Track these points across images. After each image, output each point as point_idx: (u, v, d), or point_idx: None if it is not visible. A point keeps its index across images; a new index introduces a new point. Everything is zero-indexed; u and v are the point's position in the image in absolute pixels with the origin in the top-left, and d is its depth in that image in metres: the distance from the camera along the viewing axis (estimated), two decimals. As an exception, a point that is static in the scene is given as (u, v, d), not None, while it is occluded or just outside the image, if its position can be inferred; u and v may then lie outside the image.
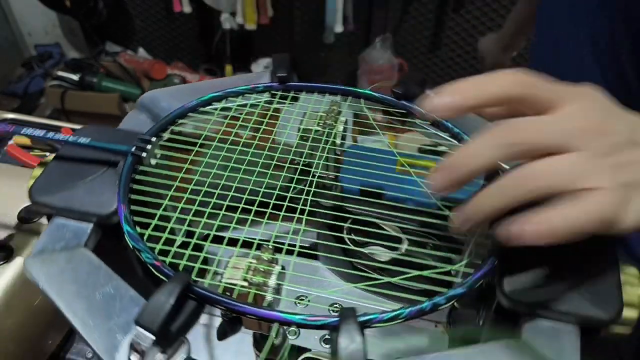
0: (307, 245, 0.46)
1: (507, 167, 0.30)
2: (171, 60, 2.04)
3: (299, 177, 0.37)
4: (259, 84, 0.42)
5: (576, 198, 0.25)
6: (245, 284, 0.29)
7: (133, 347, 0.26)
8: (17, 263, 0.45)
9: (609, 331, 0.30)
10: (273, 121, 0.40)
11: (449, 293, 0.27)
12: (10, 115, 0.78)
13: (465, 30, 1.74)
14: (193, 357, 0.28)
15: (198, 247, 0.31)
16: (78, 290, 0.31)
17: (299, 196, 0.35)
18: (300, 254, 0.32)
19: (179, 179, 0.35)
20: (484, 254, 0.31)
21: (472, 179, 0.27)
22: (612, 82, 0.51)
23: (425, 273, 0.29)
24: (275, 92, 0.42)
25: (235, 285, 0.29)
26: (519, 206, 0.26)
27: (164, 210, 0.33)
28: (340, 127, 0.39)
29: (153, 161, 0.36)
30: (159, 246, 0.31)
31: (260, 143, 0.38)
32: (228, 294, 0.30)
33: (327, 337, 0.43)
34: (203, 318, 0.47)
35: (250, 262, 0.30)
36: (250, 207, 0.34)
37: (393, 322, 0.27)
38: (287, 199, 0.34)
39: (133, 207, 0.33)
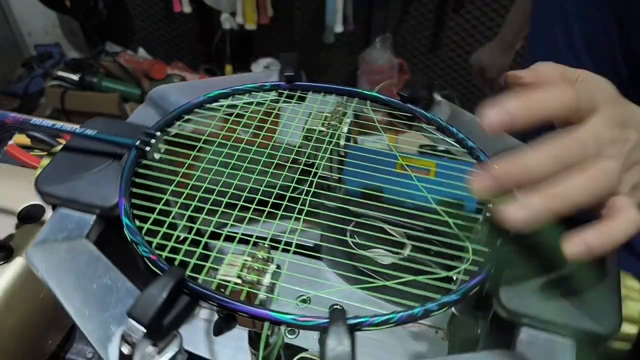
0: (308, 245, 0.46)
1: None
2: (171, 60, 2.05)
3: (300, 177, 0.37)
4: (266, 83, 0.42)
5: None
6: (239, 281, 0.29)
7: (124, 339, 0.27)
8: (17, 263, 0.45)
9: (608, 346, 0.30)
10: (278, 120, 0.40)
11: (442, 300, 0.27)
12: (7, 120, 0.78)
13: (465, 30, 1.73)
14: (187, 350, 0.28)
15: (196, 243, 0.32)
16: (76, 280, 0.31)
17: (299, 196, 0.35)
18: (301, 254, 0.32)
19: (180, 175, 0.35)
20: (481, 261, 0.31)
21: None
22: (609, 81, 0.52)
23: (419, 278, 0.29)
24: (282, 91, 0.42)
25: (228, 282, 0.29)
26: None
27: (164, 205, 0.33)
28: (345, 129, 0.39)
29: (157, 155, 0.37)
30: (156, 240, 0.31)
31: (264, 141, 0.38)
32: (222, 290, 0.30)
33: (325, 338, 0.43)
34: (204, 313, 0.47)
35: (246, 260, 0.30)
36: (250, 205, 0.34)
37: (384, 326, 0.26)
38: (287, 198, 0.34)
39: (134, 201, 0.33)
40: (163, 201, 0.33)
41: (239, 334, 0.40)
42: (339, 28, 1.68)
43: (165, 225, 0.32)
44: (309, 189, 0.35)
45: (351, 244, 0.46)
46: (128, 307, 0.26)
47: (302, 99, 0.42)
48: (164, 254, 0.30)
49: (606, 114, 0.29)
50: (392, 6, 1.73)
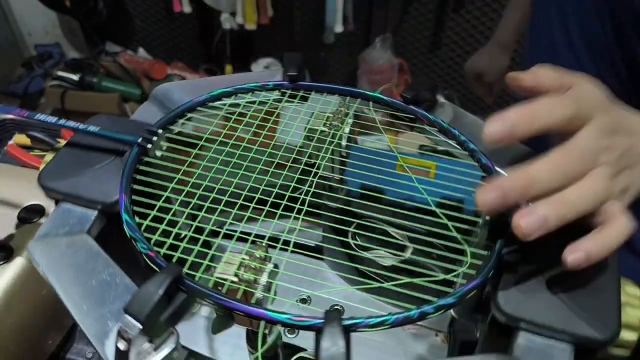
0: (309, 245, 0.46)
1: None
2: (171, 60, 2.05)
3: (300, 176, 0.37)
4: (269, 82, 0.42)
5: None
6: (236, 279, 0.29)
7: (121, 335, 0.27)
8: (17, 263, 0.45)
9: (606, 353, 0.29)
10: (279, 119, 0.40)
11: (438, 302, 0.27)
12: (11, 116, 0.77)
13: (465, 30, 1.73)
14: (187, 347, 0.28)
15: (195, 241, 0.32)
16: (76, 275, 0.32)
17: (299, 196, 0.35)
18: (301, 254, 0.32)
19: (181, 172, 0.35)
20: (480, 265, 0.30)
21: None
22: (609, 80, 0.53)
23: (416, 280, 0.29)
24: (285, 91, 0.42)
25: (225, 280, 0.29)
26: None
27: (165, 202, 0.34)
28: (347, 129, 0.39)
29: (158, 153, 0.37)
30: (155, 237, 0.31)
31: (265, 141, 0.38)
32: (220, 288, 0.30)
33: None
34: (204, 310, 0.47)
35: (244, 259, 0.30)
36: (249, 204, 0.34)
37: (379, 328, 0.26)
38: (287, 197, 0.34)
39: (134, 197, 0.33)
40: (163, 198, 0.34)
41: (238, 332, 0.40)
42: (339, 28, 1.68)
43: (165, 223, 0.32)
44: (308, 189, 0.35)
45: (353, 245, 0.46)
46: (125, 303, 0.26)
47: (304, 98, 0.42)
48: (163, 250, 0.30)
49: (598, 123, 0.31)
50: (392, 6, 1.73)
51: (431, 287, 0.29)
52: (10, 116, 0.76)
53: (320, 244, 0.49)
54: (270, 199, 0.34)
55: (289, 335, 0.45)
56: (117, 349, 0.27)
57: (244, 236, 0.32)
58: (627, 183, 0.32)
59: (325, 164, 0.39)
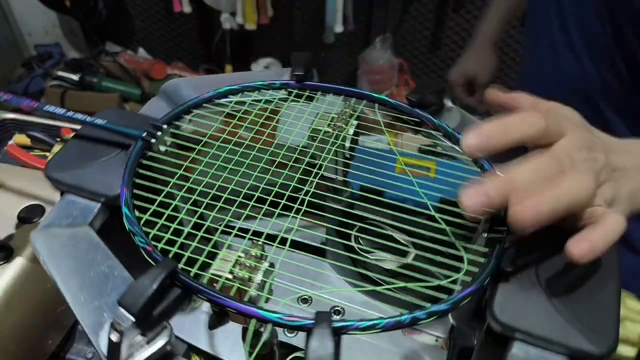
0: (311, 245, 0.46)
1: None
2: (171, 60, 2.05)
3: (301, 176, 0.37)
4: (275, 81, 0.42)
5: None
6: (230, 276, 0.29)
7: (114, 327, 0.27)
8: (17, 263, 0.45)
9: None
10: (284, 119, 0.40)
11: (431, 308, 0.27)
12: (11, 115, 0.78)
13: (465, 30, 1.71)
14: (188, 341, 0.28)
15: (193, 237, 0.32)
16: (75, 266, 0.32)
17: (299, 196, 0.35)
18: (301, 254, 0.32)
19: (183, 168, 0.35)
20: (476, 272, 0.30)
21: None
22: (609, 80, 0.54)
23: (410, 285, 0.29)
24: (291, 90, 0.42)
25: (220, 277, 0.29)
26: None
27: (166, 197, 0.34)
28: (351, 130, 0.39)
29: (162, 148, 0.37)
30: (153, 231, 0.31)
31: (268, 139, 0.38)
32: (215, 285, 0.30)
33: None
34: (206, 306, 0.48)
35: (239, 256, 0.30)
36: (248, 202, 0.34)
37: (369, 331, 0.26)
38: (286, 197, 0.34)
39: (136, 191, 0.34)
40: (164, 193, 0.34)
41: (238, 329, 0.40)
42: (339, 28, 1.68)
43: (164, 218, 0.32)
44: (309, 189, 0.35)
45: (356, 247, 0.45)
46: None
47: (310, 98, 0.42)
48: (160, 245, 0.31)
49: (573, 136, 0.32)
50: (392, 6, 1.72)
51: (429, 293, 0.29)
52: (11, 116, 0.77)
53: (322, 245, 0.48)
54: (270, 198, 0.34)
55: (288, 335, 0.45)
56: (109, 340, 0.27)
57: (241, 234, 0.32)
58: (612, 194, 0.32)
59: (327, 165, 0.39)
